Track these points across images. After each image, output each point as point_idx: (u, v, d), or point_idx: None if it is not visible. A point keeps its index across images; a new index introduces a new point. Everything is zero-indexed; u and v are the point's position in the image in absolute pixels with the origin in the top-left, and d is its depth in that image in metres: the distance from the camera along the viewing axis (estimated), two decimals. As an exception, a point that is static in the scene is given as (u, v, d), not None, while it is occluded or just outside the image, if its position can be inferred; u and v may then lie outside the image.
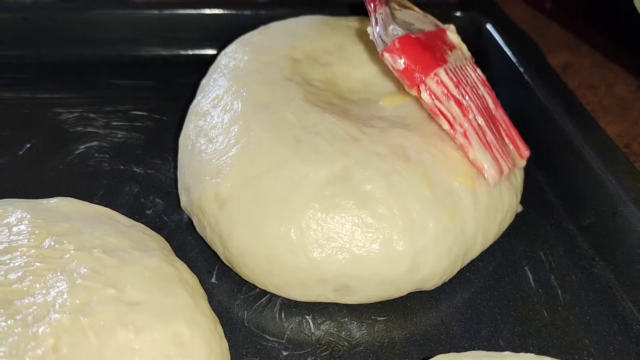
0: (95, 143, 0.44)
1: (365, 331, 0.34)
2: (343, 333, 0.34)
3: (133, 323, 0.27)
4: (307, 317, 0.34)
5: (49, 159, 0.43)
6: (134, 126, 0.46)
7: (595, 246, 0.39)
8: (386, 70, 0.42)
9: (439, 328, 0.34)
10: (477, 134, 0.35)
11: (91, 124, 0.46)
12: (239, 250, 0.33)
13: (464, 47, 0.40)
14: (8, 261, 0.29)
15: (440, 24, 0.40)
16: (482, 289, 0.37)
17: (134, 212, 0.39)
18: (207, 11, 0.53)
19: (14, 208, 0.32)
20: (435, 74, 0.35)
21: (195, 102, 0.41)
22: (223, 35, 0.50)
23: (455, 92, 0.35)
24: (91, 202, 0.35)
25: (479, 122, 0.36)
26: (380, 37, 0.36)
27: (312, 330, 0.34)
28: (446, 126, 0.35)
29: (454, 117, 0.35)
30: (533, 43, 0.53)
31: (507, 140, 0.38)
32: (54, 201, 0.33)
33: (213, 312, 0.31)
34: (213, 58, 0.45)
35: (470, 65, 0.39)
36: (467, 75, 0.38)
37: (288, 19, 0.46)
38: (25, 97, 0.48)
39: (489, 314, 0.35)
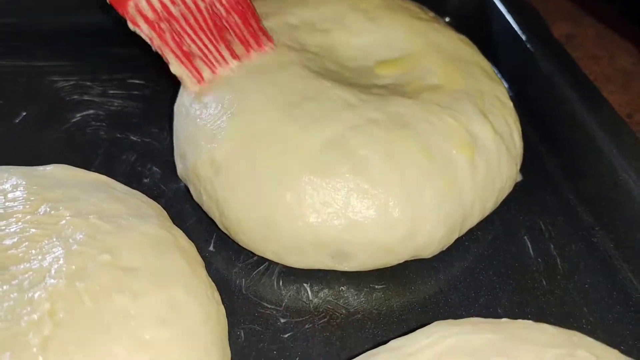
0: (91, 111, 0.44)
1: (363, 299, 0.34)
2: (341, 301, 0.34)
3: (129, 288, 0.27)
4: (305, 284, 0.34)
5: (45, 128, 0.42)
6: (131, 94, 0.46)
7: (596, 216, 0.39)
8: (386, 39, 0.41)
9: (437, 296, 0.34)
10: (176, 48, 0.36)
11: (87, 92, 0.45)
12: (236, 215, 0.33)
13: None
14: (4, 227, 0.28)
15: None
16: (481, 258, 0.36)
17: (131, 180, 0.39)
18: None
19: (9, 175, 0.32)
20: (136, 4, 0.35)
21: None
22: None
23: (153, 17, 0.35)
24: (88, 170, 0.34)
25: (181, 35, 0.36)
26: None
27: (310, 297, 0.34)
28: (157, 42, 0.36)
29: (151, 39, 0.36)
30: (537, 13, 0.52)
31: (230, 38, 0.37)
32: (49, 168, 0.33)
33: (210, 279, 0.31)
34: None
35: None
36: None
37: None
38: (21, 65, 0.47)
39: (488, 282, 0.35)
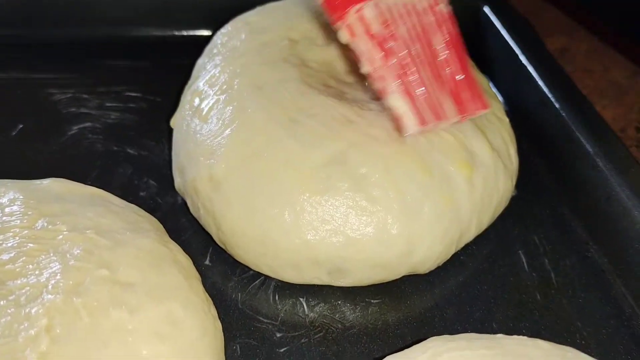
0: (88, 124, 0.44)
1: (359, 313, 0.34)
2: (337, 315, 0.34)
3: (126, 303, 0.27)
4: (300, 299, 0.34)
5: (41, 140, 0.43)
6: (128, 107, 0.46)
7: (589, 230, 0.39)
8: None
9: (432, 311, 0.34)
10: (401, 80, 0.32)
11: (84, 105, 0.46)
12: (233, 231, 0.33)
13: None
14: (1, 242, 0.29)
15: None
16: (476, 273, 0.37)
17: (127, 193, 0.39)
18: (202, -9, 0.53)
19: (7, 189, 0.32)
20: (359, 10, 0.31)
21: (190, 81, 0.41)
22: (219, 15, 0.49)
23: (379, 31, 0.31)
24: (84, 183, 0.34)
25: (407, 67, 0.32)
26: None
27: (306, 312, 0.34)
28: (364, 69, 0.32)
29: (372, 60, 0.32)
30: (530, 26, 0.52)
31: (448, 90, 0.34)
32: (46, 182, 0.33)
33: (207, 294, 0.31)
34: (208, 39, 0.44)
35: (428, 3, 0.34)
36: (410, 14, 0.33)
37: (287, -1, 0.46)
38: (18, 77, 0.48)
39: (483, 297, 0.35)
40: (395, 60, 0.32)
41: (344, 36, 0.32)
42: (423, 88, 0.33)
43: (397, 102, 0.32)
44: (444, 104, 0.33)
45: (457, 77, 0.34)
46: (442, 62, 0.34)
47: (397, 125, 0.33)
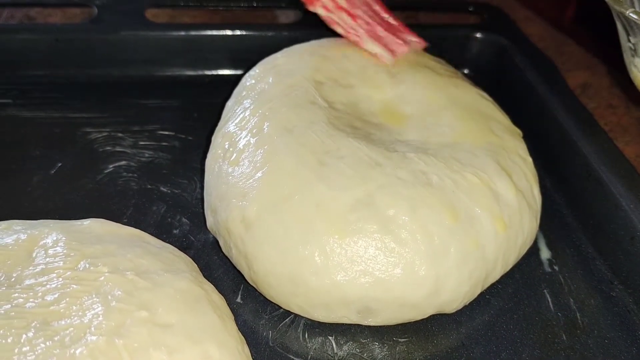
0: (123, 162, 0.46)
1: (387, 352, 0.35)
2: (365, 354, 0.34)
3: (166, 345, 0.28)
4: (330, 337, 0.35)
5: (79, 178, 0.44)
6: (161, 146, 0.48)
7: (614, 270, 0.40)
8: (407, 94, 0.43)
9: (459, 350, 0.35)
10: (367, 32, 0.45)
11: (119, 144, 0.47)
12: (264, 271, 0.34)
13: None
14: (45, 283, 0.30)
15: None
16: (501, 312, 0.37)
17: (161, 231, 0.40)
18: (232, 32, 0.55)
19: (50, 230, 0.33)
20: None
21: (221, 124, 0.42)
22: (247, 55, 0.51)
23: (345, 4, 0.45)
24: (120, 221, 0.36)
25: (368, 22, 0.45)
26: None
27: (335, 350, 0.35)
28: (340, 31, 0.45)
29: (346, 25, 0.45)
30: (552, 64, 0.53)
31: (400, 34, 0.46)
32: (87, 222, 0.35)
33: (240, 333, 0.32)
34: (238, 78, 0.46)
35: None
36: None
37: (311, 40, 0.47)
38: (56, 116, 0.50)
39: (509, 336, 0.36)
40: (361, 20, 0.45)
41: (320, 12, 0.45)
42: (383, 31, 0.45)
43: (370, 45, 0.45)
44: (398, 38, 0.46)
45: (391, 21, 0.47)
46: (380, 13, 0.47)
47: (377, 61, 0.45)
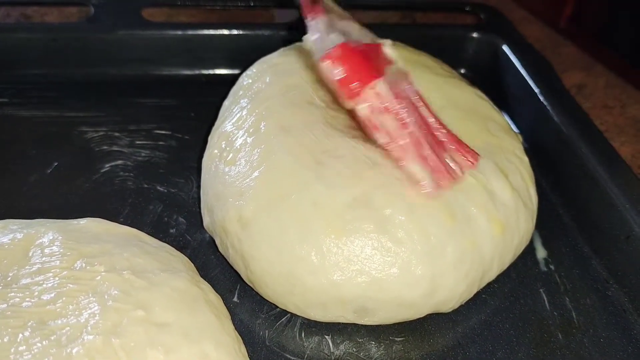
0: (120, 162, 0.46)
1: (383, 351, 0.35)
2: (362, 353, 0.34)
3: (162, 344, 0.28)
4: (326, 336, 0.35)
5: (75, 177, 0.44)
6: (158, 145, 0.48)
7: (610, 269, 0.40)
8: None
9: (455, 349, 0.35)
10: (415, 147, 0.35)
11: (116, 143, 0.47)
12: (261, 270, 0.35)
13: (400, 62, 0.38)
14: (42, 282, 0.30)
15: (376, 38, 0.39)
16: (498, 311, 0.37)
17: (158, 230, 0.40)
18: (229, 32, 0.55)
19: (46, 229, 0.33)
20: (374, 86, 0.34)
21: (218, 123, 0.42)
22: (244, 55, 0.51)
23: (393, 105, 0.34)
24: (117, 220, 0.36)
25: (417, 135, 0.35)
26: (317, 44, 0.36)
27: (332, 349, 0.35)
28: (382, 140, 0.35)
29: (390, 131, 0.35)
30: (548, 64, 0.54)
31: (449, 154, 0.36)
32: (83, 222, 0.35)
33: (237, 332, 0.32)
34: (235, 77, 0.46)
35: (406, 80, 0.37)
36: (406, 92, 0.36)
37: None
38: (52, 115, 0.50)
39: (505, 335, 0.36)
40: (410, 129, 0.35)
41: (363, 111, 0.34)
42: (430, 151, 0.35)
43: (414, 166, 0.34)
44: (450, 166, 0.36)
45: (442, 137, 0.37)
46: (432, 125, 0.37)
47: (416, 189, 0.35)
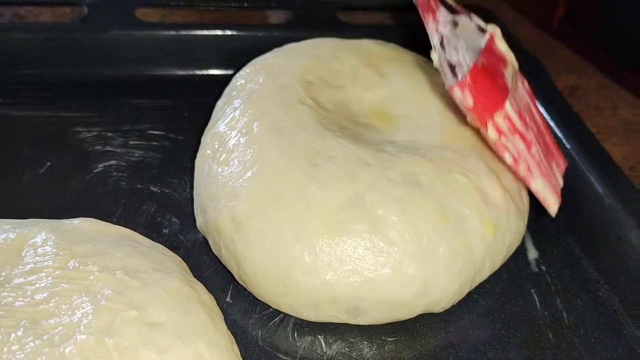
0: (113, 162, 0.46)
1: (375, 351, 0.35)
2: (354, 353, 0.35)
3: (155, 344, 0.28)
4: (319, 336, 0.35)
5: (69, 178, 0.44)
6: (151, 145, 0.48)
7: (600, 270, 0.40)
8: (397, 94, 0.43)
9: (447, 349, 0.35)
10: (539, 165, 0.35)
11: (109, 143, 0.47)
12: (254, 270, 0.35)
13: (511, 55, 0.38)
14: (34, 282, 0.30)
15: (482, 23, 0.38)
16: (489, 311, 0.38)
17: (151, 231, 0.40)
18: (222, 32, 0.55)
19: (39, 229, 0.33)
20: (502, 110, 0.34)
21: (211, 124, 0.42)
22: (238, 55, 0.51)
23: (519, 125, 0.34)
24: (110, 220, 0.36)
25: (539, 152, 0.35)
26: (446, 63, 0.34)
27: (324, 349, 0.35)
28: (510, 161, 0.35)
29: (518, 152, 0.35)
30: (541, 66, 0.54)
31: (553, 160, 0.37)
32: (76, 222, 0.35)
33: (229, 332, 0.32)
34: (228, 78, 0.46)
35: (519, 77, 0.37)
36: (522, 97, 0.36)
37: (302, 41, 0.48)
38: (46, 115, 0.49)
39: (496, 335, 0.36)
40: (534, 148, 0.35)
41: (492, 136, 0.34)
42: (544, 161, 0.36)
43: (542, 187, 0.35)
44: (556, 175, 0.37)
45: (547, 139, 0.37)
46: (543, 133, 0.37)
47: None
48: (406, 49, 0.48)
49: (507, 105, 0.34)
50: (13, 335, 0.27)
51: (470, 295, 0.37)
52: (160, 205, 0.43)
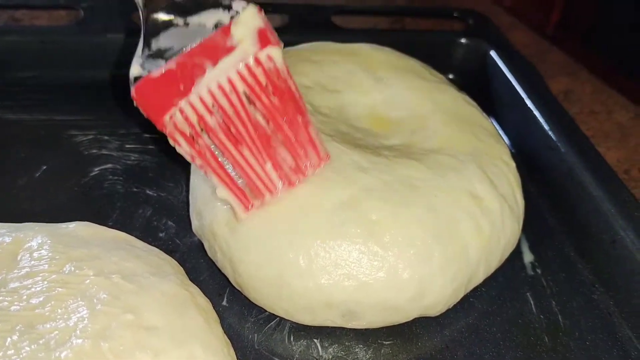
0: (109, 165, 0.46)
1: (371, 355, 0.35)
2: (350, 357, 0.35)
3: (151, 347, 0.28)
4: (315, 340, 0.35)
5: (64, 181, 0.44)
6: (147, 149, 0.48)
7: (595, 273, 0.40)
8: (393, 99, 0.43)
9: (443, 353, 0.35)
10: (224, 172, 0.32)
11: (105, 147, 0.47)
12: (249, 274, 0.35)
13: (249, 40, 0.31)
14: (30, 286, 0.30)
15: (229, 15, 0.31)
16: (485, 314, 0.38)
17: (147, 234, 0.40)
18: (219, 36, 0.55)
19: (35, 233, 0.33)
20: (171, 116, 0.31)
21: (207, 127, 0.42)
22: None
23: (193, 132, 0.31)
24: (106, 224, 0.36)
25: (230, 155, 0.32)
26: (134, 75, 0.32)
27: (320, 353, 0.35)
28: (198, 162, 0.32)
29: (200, 153, 0.32)
30: (535, 70, 0.54)
31: (289, 156, 0.34)
32: (72, 226, 0.35)
33: (226, 336, 0.32)
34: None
35: (253, 61, 0.31)
36: (231, 92, 0.31)
37: (299, 45, 0.48)
38: (42, 118, 0.49)
39: (492, 339, 0.36)
40: (209, 152, 0.32)
41: (172, 143, 0.32)
42: (248, 168, 0.33)
43: (223, 194, 0.33)
44: (272, 174, 0.33)
45: (290, 136, 0.34)
46: (271, 126, 0.33)
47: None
48: (401, 53, 0.48)
49: (176, 114, 0.31)
50: (9, 339, 0.27)
51: (466, 298, 0.37)
52: (156, 209, 0.43)
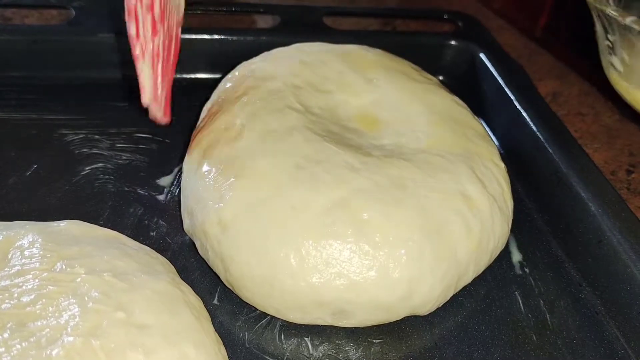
0: (100, 164, 0.46)
1: (361, 353, 0.35)
2: (340, 355, 0.35)
3: (142, 345, 0.28)
4: (305, 338, 0.36)
5: (55, 180, 0.44)
6: (138, 148, 0.48)
7: (583, 272, 0.41)
8: (383, 100, 0.44)
9: (432, 351, 0.36)
10: (153, 56, 0.34)
11: (96, 146, 0.47)
12: (240, 273, 0.35)
13: None
14: (21, 284, 0.30)
15: None
16: (474, 313, 0.38)
17: (138, 233, 0.40)
18: (210, 36, 0.55)
19: (26, 231, 0.33)
20: None
21: (198, 127, 0.42)
22: (226, 59, 0.52)
23: (157, 11, 0.34)
24: (97, 223, 0.36)
25: (162, 49, 0.35)
26: None
27: (311, 351, 0.35)
28: (132, 31, 0.33)
29: (144, 32, 0.33)
30: (524, 72, 0.55)
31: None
32: (63, 224, 0.35)
33: (217, 334, 0.32)
34: (216, 82, 0.46)
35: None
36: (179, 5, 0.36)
37: (290, 45, 0.48)
38: (32, 117, 0.49)
39: (481, 337, 0.37)
40: (157, 39, 0.34)
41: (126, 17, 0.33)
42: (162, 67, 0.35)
43: (146, 72, 0.34)
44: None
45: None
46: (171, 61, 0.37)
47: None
48: (391, 54, 0.48)
49: None
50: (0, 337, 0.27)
51: (455, 297, 0.38)
52: (147, 208, 0.43)
